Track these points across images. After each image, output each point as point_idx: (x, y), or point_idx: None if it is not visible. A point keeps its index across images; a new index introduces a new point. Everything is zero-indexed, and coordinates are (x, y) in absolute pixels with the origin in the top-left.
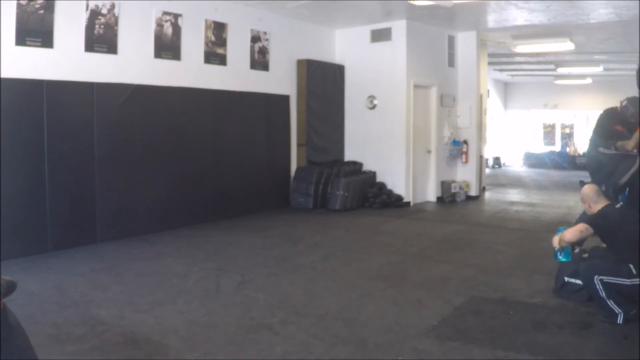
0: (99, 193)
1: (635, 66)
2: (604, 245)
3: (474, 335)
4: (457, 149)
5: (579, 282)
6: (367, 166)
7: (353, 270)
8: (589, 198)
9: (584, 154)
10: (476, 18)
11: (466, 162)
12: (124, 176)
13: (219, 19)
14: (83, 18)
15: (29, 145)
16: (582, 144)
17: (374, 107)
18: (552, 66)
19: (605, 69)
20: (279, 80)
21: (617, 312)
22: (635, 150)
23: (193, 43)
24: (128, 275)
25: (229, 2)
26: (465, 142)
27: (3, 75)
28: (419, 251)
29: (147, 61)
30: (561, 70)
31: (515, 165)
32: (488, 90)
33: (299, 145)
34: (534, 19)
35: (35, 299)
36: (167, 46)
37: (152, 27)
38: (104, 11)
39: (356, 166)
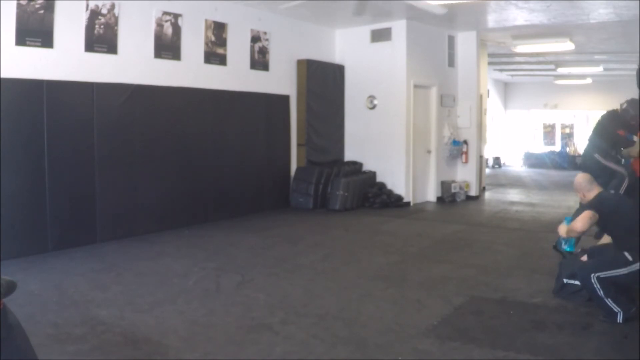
0: (99, 193)
1: (635, 66)
2: (602, 242)
3: (474, 335)
4: (457, 149)
5: (578, 283)
6: (367, 166)
7: (353, 270)
8: (583, 187)
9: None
10: (476, 18)
11: (466, 162)
12: (124, 176)
13: (219, 19)
14: (83, 18)
15: (29, 145)
16: (582, 144)
17: (374, 107)
18: (552, 66)
19: (605, 69)
20: (279, 80)
21: (616, 310)
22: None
23: (193, 43)
24: (128, 275)
25: (229, 2)
26: (465, 142)
27: (3, 75)
28: (419, 251)
29: (147, 61)
30: (561, 70)
31: (515, 165)
32: (488, 90)
33: (299, 145)
34: (534, 19)
35: (35, 299)
36: (167, 46)
37: (152, 27)
38: (104, 11)
39: (356, 166)
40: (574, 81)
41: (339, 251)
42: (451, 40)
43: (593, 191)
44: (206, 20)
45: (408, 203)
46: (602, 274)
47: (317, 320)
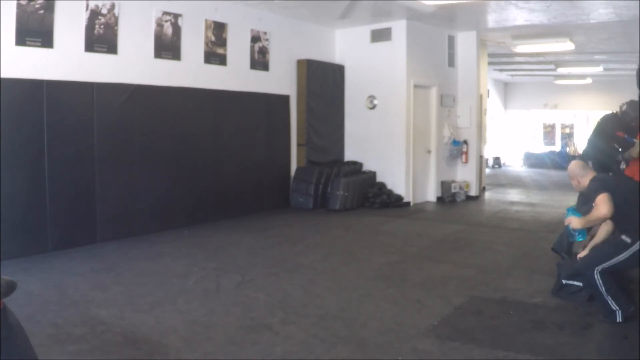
0: (99, 193)
1: (635, 66)
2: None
3: (474, 335)
4: (457, 149)
5: (577, 283)
6: (367, 166)
7: (353, 270)
8: (576, 173)
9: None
10: (476, 18)
11: (466, 162)
12: (124, 176)
13: (219, 19)
14: (83, 18)
15: (29, 145)
16: (582, 144)
17: (374, 107)
18: (552, 66)
19: (605, 69)
20: (279, 80)
21: (614, 308)
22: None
23: (193, 43)
24: (128, 275)
25: (229, 2)
26: (465, 142)
27: (3, 75)
28: (419, 251)
29: (147, 61)
30: (561, 70)
31: (515, 165)
32: (488, 90)
33: (299, 145)
34: (534, 19)
35: (35, 299)
36: (167, 46)
37: (152, 27)
38: (104, 11)
39: (356, 166)
40: (574, 81)
41: (339, 251)
42: (451, 40)
43: (587, 176)
44: (206, 20)
45: (408, 203)
46: (606, 265)
47: (317, 320)
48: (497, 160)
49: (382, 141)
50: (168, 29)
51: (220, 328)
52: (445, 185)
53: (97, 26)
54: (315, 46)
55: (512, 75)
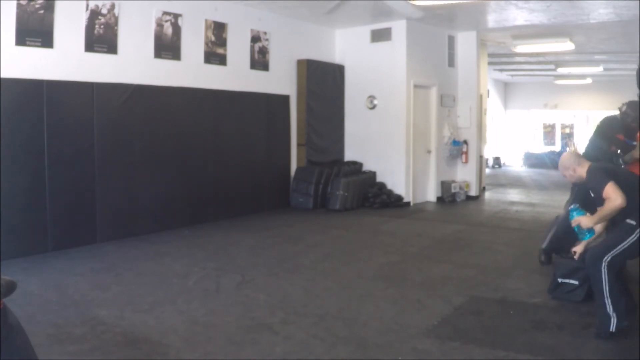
0: (99, 193)
1: (635, 66)
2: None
3: (474, 335)
4: (457, 149)
5: (573, 282)
6: (367, 166)
7: (353, 270)
8: (572, 161)
9: (583, 154)
10: (476, 18)
11: (466, 162)
12: (124, 176)
13: (219, 19)
14: (83, 18)
15: (29, 145)
16: (582, 144)
17: (374, 107)
18: (552, 66)
19: (605, 69)
20: (279, 80)
21: (610, 314)
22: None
23: (193, 43)
24: (128, 275)
25: (229, 2)
26: (465, 142)
27: (3, 75)
28: (419, 251)
29: (147, 61)
30: (561, 70)
31: (515, 165)
32: (488, 90)
33: (299, 145)
34: (534, 19)
35: (35, 299)
36: (167, 46)
37: (152, 27)
38: (104, 11)
39: (356, 166)
40: (574, 81)
41: (339, 251)
42: (451, 40)
43: (583, 165)
44: (206, 20)
45: (408, 203)
46: (615, 252)
47: (317, 320)
48: (497, 160)
49: (382, 141)
50: (168, 29)
51: (220, 328)
52: (445, 185)
53: (97, 26)
54: (315, 46)
55: (512, 75)
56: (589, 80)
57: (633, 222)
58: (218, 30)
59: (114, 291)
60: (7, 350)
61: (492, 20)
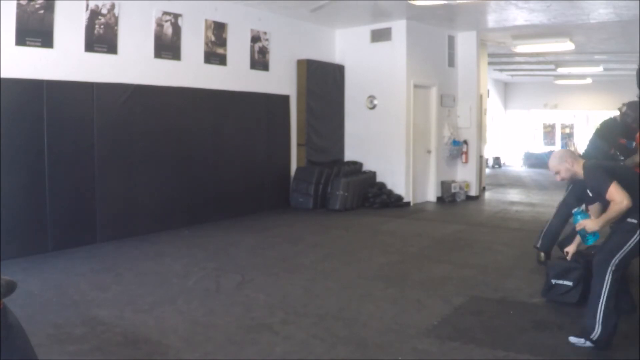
0: (99, 193)
1: (635, 66)
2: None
3: (474, 335)
4: (457, 149)
5: (567, 283)
6: (367, 166)
7: (353, 270)
8: (568, 155)
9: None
10: (476, 18)
11: (466, 162)
12: (124, 176)
13: (219, 19)
14: (83, 18)
15: (29, 145)
16: (582, 144)
17: (374, 107)
18: (552, 66)
19: (605, 69)
20: (279, 80)
21: (596, 325)
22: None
23: (193, 43)
24: (128, 275)
25: (229, 2)
26: (465, 142)
27: (3, 75)
28: (419, 251)
29: (147, 61)
30: (561, 70)
31: (515, 165)
32: (488, 90)
33: (299, 145)
34: (534, 19)
35: (35, 299)
36: (167, 46)
37: (152, 27)
38: (104, 11)
39: (356, 166)
40: (574, 81)
41: (339, 251)
42: (451, 40)
43: (579, 161)
44: (206, 20)
45: (408, 203)
46: (621, 253)
47: (317, 320)
48: (497, 160)
49: (382, 141)
50: (168, 29)
51: (220, 328)
52: (445, 185)
53: (97, 26)
54: (315, 46)
55: (512, 75)
56: (589, 80)
57: (634, 221)
58: (218, 30)
59: (114, 291)
60: (7, 350)
61: (492, 20)
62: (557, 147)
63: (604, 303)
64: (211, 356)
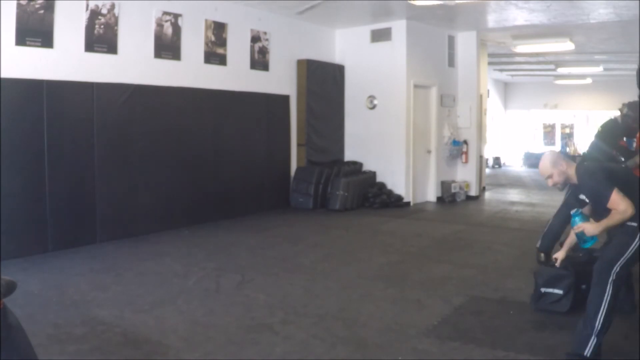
0: (99, 193)
1: (635, 66)
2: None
3: (474, 335)
4: (457, 149)
5: (557, 291)
6: (367, 166)
7: (353, 270)
8: (560, 158)
9: (584, 154)
10: (476, 18)
11: (466, 162)
12: (124, 176)
13: (219, 19)
14: (83, 18)
15: (29, 145)
16: (582, 144)
17: (374, 107)
18: (552, 66)
19: (605, 69)
20: (279, 80)
21: (593, 336)
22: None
23: (193, 43)
24: (128, 275)
25: (229, 2)
26: (465, 142)
27: (3, 75)
28: (419, 251)
29: (147, 61)
30: (561, 70)
31: (515, 165)
32: (488, 90)
33: (299, 145)
34: (534, 19)
35: (35, 299)
36: (167, 46)
37: (152, 27)
38: (104, 11)
39: (356, 166)
40: (574, 81)
41: (339, 251)
42: (451, 40)
43: (571, 164)
44: (206, 20)
45: (408, 203)
46: (623, 259)
47: (317, 320)
48: (497, 160)
49: (382, 141)
50: (168, 29)
51: (220, 328)
52: (445, 185)
53: (97, 26)
54: (315, 46)
55: (512, 75)
56: (589, 80)
57: (634, 224)
58: (218, 30)
59: (114, 291)
60: (7, 350)
61: (492, 20)
62: (557, 147)
63: (603, 316)
64: (211, 356)
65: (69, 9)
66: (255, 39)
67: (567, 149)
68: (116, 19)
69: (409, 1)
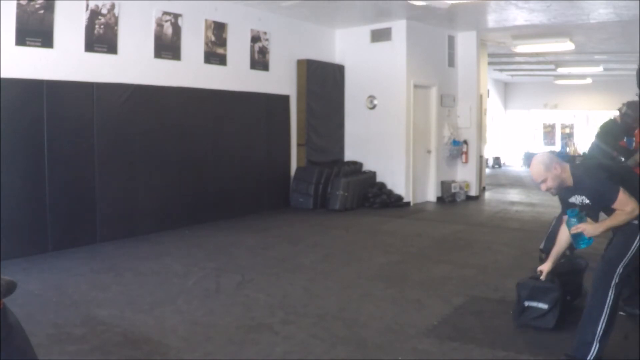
0: (99, 193)
1: (635, 66)
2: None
3: (474, 335)
4: (457, 149)
5: (541, 305)
6: (367, 166)
7: (353, 270)
8: (555, 160)
9: (584, 154)
10: (476, 18)
11: (466, 162)
12: (124, 176)
13: (219, 19)
14: (83, 18)
15: (29, 145)
16: (582, 144)
17: (374, 107)
18: (552, 66)
19: (605, 69)
20: (279, 80)
21: (594, 342)
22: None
23: (193, 43)
24: (128, 275)
25: (229, 2)
26: (465, 142)
27: (3, 75)
28: (419, 251)
29: (147, 61)
30: (561, 70)
31: (515, 165)
32: (488, 90)
33: (299, 145)
34: (534, 19)
35: (35, 299)
36: (167, 46)
37: (152, 27)
38: (104, 11)
39: (356, 166)
40: (574, 81)
41: (339, 251)
42: (451, 40)
43: (565, 166)
44: (206, 20)
45: (408, 203)
46: (625, 261)
47: (317, 320)
48: (497, 160)
49: (382, 141)
50: (168, 29)
51: (220, 328)
52: (445, 185)
53: (97, 26)
54: (315, 46)
55: (512, 75)
56: (589, 80)
57: (635, 222)
58: (218, 30)
59: (114, 291)
60: (7, 350)
61: (492, 20)
62: (557, 147)
63: (605, 321)
64: (211, 356)
65: (69, 9)
66: (255, 39)
67: (567, 149)
68: (116, 19)
69: (409, 1)
